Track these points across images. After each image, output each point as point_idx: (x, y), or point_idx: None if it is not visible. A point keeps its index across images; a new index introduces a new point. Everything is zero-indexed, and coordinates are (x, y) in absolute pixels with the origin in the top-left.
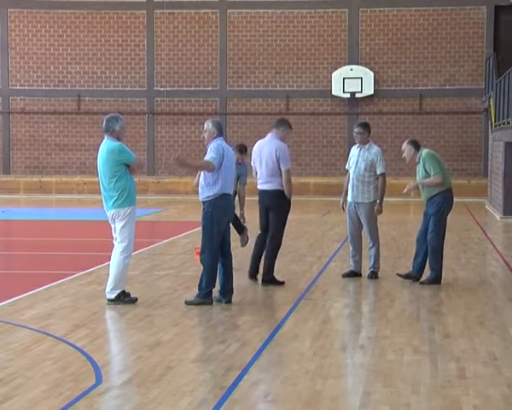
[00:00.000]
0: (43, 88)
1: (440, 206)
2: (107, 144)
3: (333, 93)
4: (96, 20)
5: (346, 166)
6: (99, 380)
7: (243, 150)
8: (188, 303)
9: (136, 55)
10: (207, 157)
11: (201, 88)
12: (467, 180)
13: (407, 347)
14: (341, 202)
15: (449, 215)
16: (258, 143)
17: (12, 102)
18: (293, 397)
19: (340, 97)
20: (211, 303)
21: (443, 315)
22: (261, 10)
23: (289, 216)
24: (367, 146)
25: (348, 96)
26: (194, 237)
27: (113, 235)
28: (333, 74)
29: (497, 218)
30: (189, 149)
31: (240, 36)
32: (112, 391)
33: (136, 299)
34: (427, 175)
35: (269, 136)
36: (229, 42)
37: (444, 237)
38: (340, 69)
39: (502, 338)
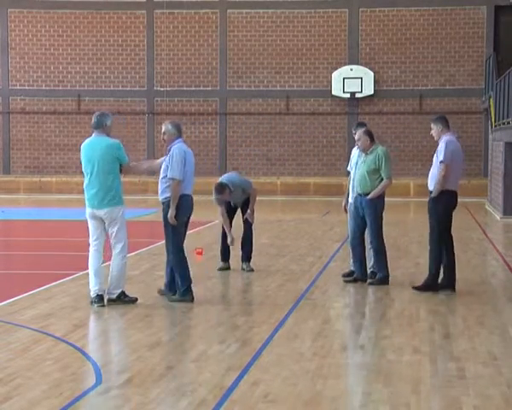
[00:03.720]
0: (43, 88)
1: (376, 205)
2: (103, 140)
3: (333, 93)
4: (96, 20)
5: (348, 168)
6: (99, 380)
7: (221, 191)
8: (170, 300)
9: (136, 55)
10: (170, 173)
11: (201, 88)
12: (467, 180)
13: (407, 347)
14: (343, 203)
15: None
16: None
17: (12, 102)
18: (293, 397)
19: (340, 97)
20: (192, 300)
21: (443, 315)
22: (261, 10)
23: (287, 216)
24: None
25: (348, 96)
26: (193, 237)
27: (93, 233)
28: (333, 74)
29: (497, 218)
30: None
31: (240, 36)
32: (112, 391)
33: (136, 299)
34: (376, 169)
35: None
36: (229, 42)
37: (382, 236)
38: (340, 69)
39: (502, 338)
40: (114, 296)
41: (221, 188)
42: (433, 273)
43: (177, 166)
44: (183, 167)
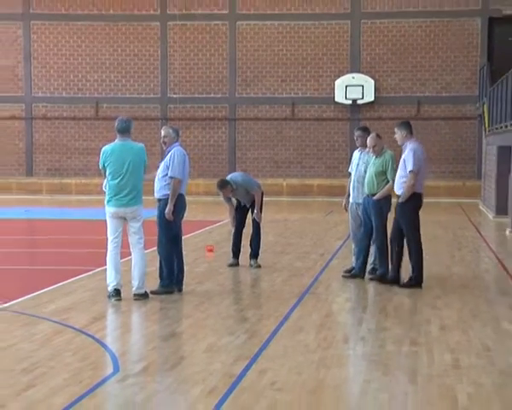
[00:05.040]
0: (64, 95)
1: (381, 206)
2: (132, 144)
3: (336, 100)
4: (113, 31)
5: (349, 169)
6: (116, 369)
7: (222, 186)
8: (153, 293)
9: (151, 65)
10: (172, 172)
11: (212, 95)
12: (461, 182)
13: (405, 338)
14: (344, 202)
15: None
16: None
17: (34, 108)
18: (299, 385)
19: (342, 104)
20: (172, 292)
21: (439, 309)
22: (268, 22)
23: (292, 215)
24: (367, 149)
25: (350, 102)
26: (204, 235)
27: (114, 231)
28: (336, 82)
29: (490, 217)
30: (201, 152)
31: (248, 46)
32: (128, 379)
33: (147, 294)
34: (383, 171)
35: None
36: (238, 52)
37: (387, 235)
38: (342, 77)
39: (494, 331)
40: (143, 291)
41: (222, 183)
42: (418, 271)
43: (179, 166)
44: (183, 168)
